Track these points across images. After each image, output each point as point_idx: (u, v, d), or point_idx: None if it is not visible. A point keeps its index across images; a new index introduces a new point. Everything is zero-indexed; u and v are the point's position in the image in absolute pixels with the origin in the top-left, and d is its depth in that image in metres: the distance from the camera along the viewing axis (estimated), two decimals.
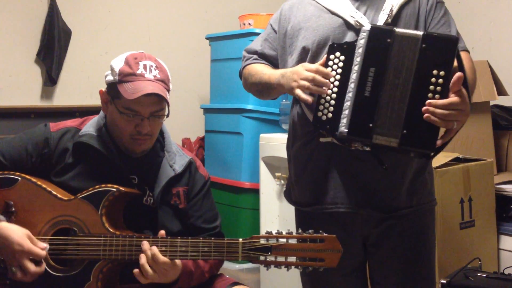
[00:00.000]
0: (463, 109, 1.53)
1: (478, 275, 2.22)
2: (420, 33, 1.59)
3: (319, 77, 1.63)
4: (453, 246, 2.62)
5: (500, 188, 2.89)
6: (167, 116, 1.79)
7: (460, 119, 1.55)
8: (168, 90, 1.77)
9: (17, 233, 1.61)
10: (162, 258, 1.62)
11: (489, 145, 3.04)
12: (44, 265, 1.65)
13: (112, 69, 1.74)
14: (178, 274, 1.68)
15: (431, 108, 1.53)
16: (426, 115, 1.53)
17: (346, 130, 1.62)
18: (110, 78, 1.74)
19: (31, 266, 1.61)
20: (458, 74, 1.51)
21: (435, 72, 1.55)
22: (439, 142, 1.56)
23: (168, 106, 1.76)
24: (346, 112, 1.62)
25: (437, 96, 1.55)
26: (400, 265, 1.81)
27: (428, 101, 1.54)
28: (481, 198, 2.77)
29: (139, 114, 1.71)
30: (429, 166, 1.86)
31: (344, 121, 1.62)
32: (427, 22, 1.77)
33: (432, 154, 1.62)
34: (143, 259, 1.62)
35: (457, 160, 2.76)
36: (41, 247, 1.63)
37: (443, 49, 1.56)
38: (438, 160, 2.64)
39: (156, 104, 1.73)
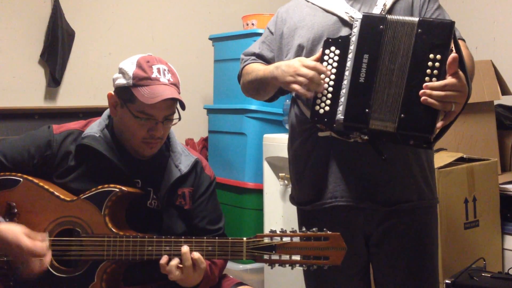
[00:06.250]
0: (460, 90, 1.54)
1: (482, 275, 2.22)
2: (416, 18, 1.60)
3: (317, 76, 1.63)
4: (457, 246, 2.62)
5: (504, 188, 2.88)
6: (179, 119, 1.79)
7: (458, 100, 1.55)
8: (179, 94, 1.76)
9: (13, 233, 1.59)
10: (204, 263, 1.64)
11: (493, 145, 3.04)
12: (49, 257, 1.62)
13: (124, 73, 1.72)
14: (201, 277, 1.68)
15: (428, 91, 1.54)
16: (423, 98, 1.54)
17: (343, 117, 1.62)
18: (122, 81, 1.72)
19: (35, 265, 1.59)
20: (453, 55, 1.52)
21: (431, 56, 1.56)
22: (439, 124, 1.56)
23: (184, 109, 1.76)
24: (342, 100, 1.63)
25: (434, 79, 1.55)
26: (403, 265, 1.81)
27: (425, 84, 1.55)
28: (485, 198, 2.77)
29: (154, 118, 1.71)
30: (430, 164, 1.86)
31: (340, 108, 1.63)
32: (421, 16, 1.78)
33: (432, 140, 1.61)
34: (187, 262, 1.62)
35: (461, 160, 2.76)
36: (40, 240, 1.60)
37: (439, 33, 1.57)
38: (442, 160, 2.64)
39: (170, 108, 1.73)
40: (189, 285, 1.68)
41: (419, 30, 1.57)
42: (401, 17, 1.62)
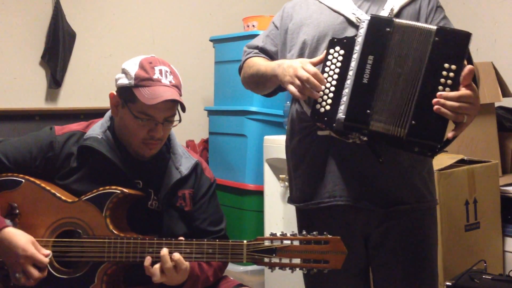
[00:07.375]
0: (474, 102, 1.54)
1: (483, 278, 2.22)
2: (434, 26, 1.60)
3: (313, 80, 1.63)
4: (458, 248, 2.62)
5: (505, 190, 2.88)
6: (180, 121, 1.79)
7: (470, 112, 1.55)
8: (180, 96, 1.77)
9: (22, 238, 1.62)
10: (185, 264, 1.64)
11: (494, 146, 3.04)
12: (46, 271, 1.64)
13: (126, 73, 1.73)
14: (185, 277, 1.68)
15: (442, 100, 1.53)
16: (436, 107, 1.53)
17: (344, 116, 1.62)
18: (124, 81, 1.73)
19: (34, 272, 1.61)
20: (470, 67, 1.52)
21: (446, 65, 1.56)
22: (450, 135, 1.57)
23: (184, 111, 1.76)
24: (344, 99, 1.63)
25: (447, 89, 1.55)
26: (402, 267, 1.81)
27: (439, 93, 1.54)
28: (486, 200, 2.77)
29: (154, 119, 1.72)
30: (429, 165, 1.86)
31: (342, 107, 1.63)
32: (427, 23, 1.78)
33: (437, 149, 1.61)
34: (167, 263, 1.62)
35: (462, 162, 2.76)
36: (44, 254, 1.63)
37: (456, 43, 1.57)
38: (443, 162, 2.64)
39: (170, 110, 1.74)
40: (174, 284, 1.68)
41: (436, 38, 1.57)
42: (414, 23, 1.62)
